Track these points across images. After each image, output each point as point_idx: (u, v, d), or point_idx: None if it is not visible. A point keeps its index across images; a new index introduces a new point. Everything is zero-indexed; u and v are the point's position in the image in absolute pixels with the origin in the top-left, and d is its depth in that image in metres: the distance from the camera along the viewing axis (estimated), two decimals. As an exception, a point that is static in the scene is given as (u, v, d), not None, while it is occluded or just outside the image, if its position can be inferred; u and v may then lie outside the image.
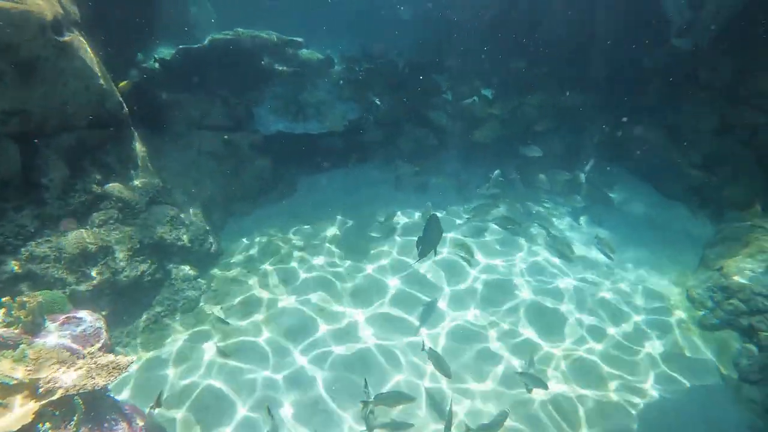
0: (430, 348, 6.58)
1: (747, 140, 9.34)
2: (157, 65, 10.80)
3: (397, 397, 6.05)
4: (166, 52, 11.83)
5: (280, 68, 12.01)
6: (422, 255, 6.94)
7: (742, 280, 7.44)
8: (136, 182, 8.13)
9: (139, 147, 8.50)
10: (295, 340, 7.20)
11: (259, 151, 10.67)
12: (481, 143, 11.26)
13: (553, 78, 11.41)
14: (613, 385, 6.71)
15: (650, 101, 10.96)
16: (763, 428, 6.15)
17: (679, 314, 7.82)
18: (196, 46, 11.76)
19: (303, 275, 8.51)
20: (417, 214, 10.07)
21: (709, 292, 7.76)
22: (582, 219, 10.11)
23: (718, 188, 9.70)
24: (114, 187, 7.67)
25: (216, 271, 8.74)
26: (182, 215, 8.76)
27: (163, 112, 9.89)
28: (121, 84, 8.27)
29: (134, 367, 6.79)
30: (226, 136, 10.20)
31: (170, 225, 8.27)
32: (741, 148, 9.45)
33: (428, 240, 6.83)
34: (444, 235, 8.97)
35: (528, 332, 7.42)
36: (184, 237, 8.45)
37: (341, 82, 12.23)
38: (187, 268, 8.39)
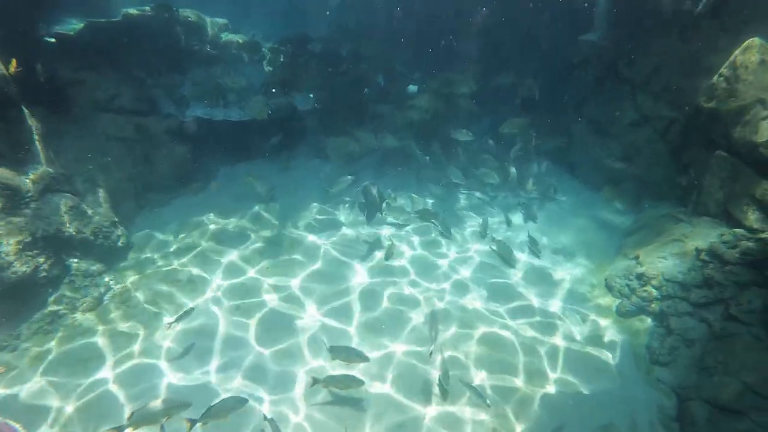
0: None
1: (662, 133, 9.74)
2: (53, 40, 9.75)
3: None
4: (76, 26, 10.76)
5: (202, 50, 11.31)
6: (369, 219, 8.31)
7: (655, 268, 7.73)
8: (28, 168, 7.27)
9: (32, 129, 7.61)
10: (203, 347, 6.73)
11: (177, 138, 9.94)
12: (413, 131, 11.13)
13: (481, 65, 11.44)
14: (529, 369, 6.78)
15: (576, 94, 11.25)
16: (670, 407, 6.42)
17: (598, 301, 8.05)
18: (105, 20, 10.80)
19: (219, 273, 8.00)
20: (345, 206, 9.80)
21: (626, 279, 8.01)
22: (515, 214, 10.17)
23: (636, 179, 10.10)
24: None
25: (124, 267, 8.05)
26: (84, 205, 7.97)
27: (64, 91, 8.95)
28: (12, 64, 7.29)
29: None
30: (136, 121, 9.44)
31: (69, 216, 7.48)
32: (657, 141, 9.84)
33: (370, 205, 8.03)
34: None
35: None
36: (86, 229, 7.68)
37: (268, 68, 11.67)
38: (90, 264, 7.65)
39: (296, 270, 8.17)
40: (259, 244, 8.68)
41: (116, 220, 8.30)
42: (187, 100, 10.27)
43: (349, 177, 9.56)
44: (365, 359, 6.10)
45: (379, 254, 8.62)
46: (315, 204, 9.88)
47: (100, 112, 9.31)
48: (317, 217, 9.58)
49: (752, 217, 7.40)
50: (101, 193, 8.49)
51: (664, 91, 9.69)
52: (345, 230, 9.27)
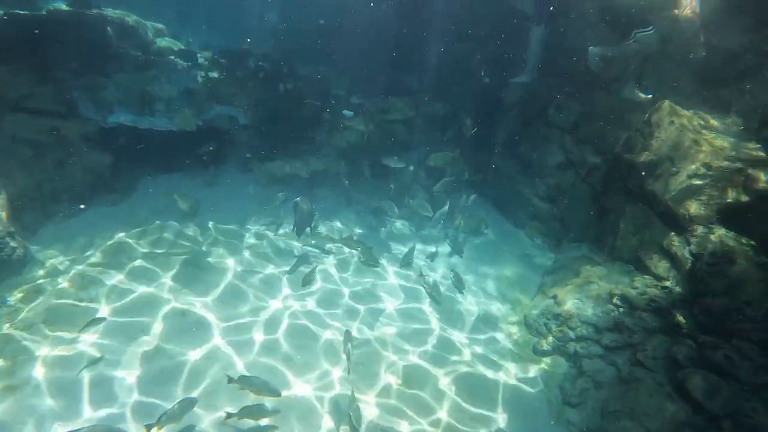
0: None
1: (584, 177, 10.23)
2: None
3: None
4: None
5: (132, 54, 10.66)
6: (299, 233, 8.11)
7: (571, 309, 7.99)
8: None
9: None
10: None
11: (96, 145, 9.26)
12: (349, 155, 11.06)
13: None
14: (444, 406, 6.72)
15: (508, 134, 11.65)
16: (579, 450, 6.56)
17: (517, 339, 8.19)
18: (26, 12, 9.97)
19: (115, 293, 7.41)
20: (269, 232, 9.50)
21: (544, 318, 8.23)
22: (440, 248, 10.23)
23: (558, 219, 10.52)
24: None
25: (20, 281, 7.28)
26: (-24, 212, 7.20)
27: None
28: None
29: None
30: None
31: (-46, 225, 6.70)
32: (579, 184, 10.32)
33: (301, 221, 7.98)
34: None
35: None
36: (-25, 240, 6.91)
37: (201, 78, 11.23)
38: (-24, 278, 6.86)
39: (206, 291, 7.70)
40: (172, 264, 8.14)
41: (12, 230, 7.52)
42: (110, 104, 9.61)
43: (282, 194, 9.43)
44: (276, 393, 5.80)
45: (296, 279, 8.35)
46: (239, 222, 9.45)
47: (9, 111, 8.52)
48: (241, 234, 9.18)
49: (660, 266, 7.84)
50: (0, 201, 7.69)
51: (588, 139, 10.22)
52: (268, 250, 8.96)
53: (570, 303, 8.13)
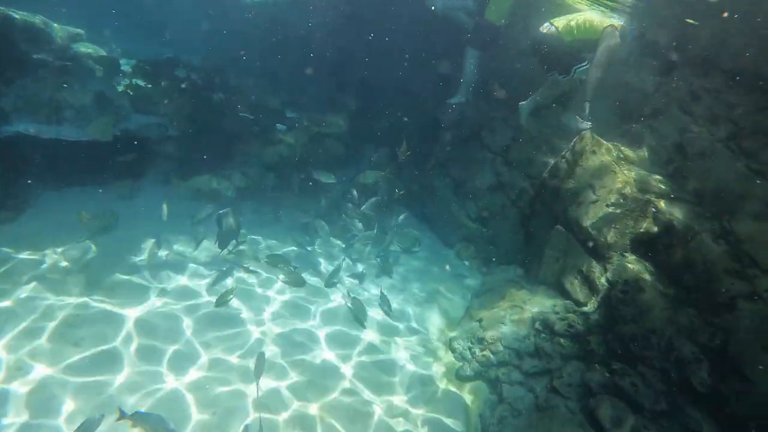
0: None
1: (514, 201, 10.40)
2: None
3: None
4: None
5: (41, 58, 9.76)
6: (222, 247, 8.56)
7: (495, 333, 7.99)
8: None
9: None
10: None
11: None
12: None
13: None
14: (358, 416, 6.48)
15: (443, 154, 11.73)
16: (496, 481, 6.49)
17: (439, 365, 8.08)
18: None
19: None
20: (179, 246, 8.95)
21: (468, 342, 8.18)
22: (370, 268, 10.04)
23: (488, 240, 10.63)
24: None
25: None
26: None
27: None
28: None
29: None
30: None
31: None
32: (509, 207, 10.49)
33: (225, 234, 8.28)
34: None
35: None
36: None
37: (122, 87, 10.54)
38: None
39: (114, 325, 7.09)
40: (73, 288, 7.44)
41: None
42: (8, 113, 8.74)
43: (209, 206, 9.05)
44: None
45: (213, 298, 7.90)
46: (153, 239, 8.83)
47: None
48: (157, 253, 8.59)
49: (580, 292, 8.01)
50: None
51: (519, 163, 10.43)
52: (189, 268, 8.44)
53: (494, 327, 8.14)
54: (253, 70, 11.76)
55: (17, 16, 9.30)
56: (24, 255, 7.80)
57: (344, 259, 9.86)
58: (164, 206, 8.60)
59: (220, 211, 8.72)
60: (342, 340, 7.96)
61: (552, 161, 9.34)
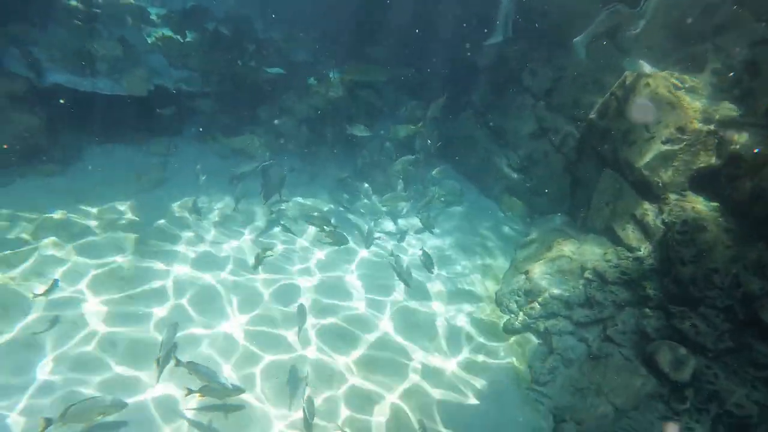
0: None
1: (558, 146, 9.81)
2: None
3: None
4: None
5: (70, 3, 9.58)
6: (267, 197, 8.37)
7: (542, 285, 7.64)
8: None
9: None
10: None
11: (26, 105, 8.34)
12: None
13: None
14: (412, 381, 6.40)
15: (480, 101, 11.13)
16: (546, 429, 6.29)
17: (487, 317, 7.84)
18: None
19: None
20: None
21: (515, 295, 7.88)
22: (411, 224, 9.74)
23: (532, 191, 10.12)
24: None
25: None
26: None
27: None
28: None
29: None
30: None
31: None
32: (553, 154, 9.91)
33: (270, 185, 8.14)
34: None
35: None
36: None
37: (153, 38, 10.33)
38: None
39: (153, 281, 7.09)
40: (116, 249, 7.47)
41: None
42: (43, 61, 8.66)
43: (250, 162, 8.90)
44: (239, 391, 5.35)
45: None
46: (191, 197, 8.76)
47: None
48: (195, 212, 8.53)
49: (633, 236, 7.51)
50: None
51: (562, 105, 9.77)
52: (225, 225, 8.40)
53: (541, 278, 7.77)
54: (282, 20, 11.31)
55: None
56: (77, 209, 7.87)
57: (382, 217, 9.60)
58: (200, 175, 8.51)
59: (265, 163, 8.57)
60: (381, 297, 7.81)
61: (600, 101, 8.66)
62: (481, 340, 7.40)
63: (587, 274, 7.41)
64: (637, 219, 7.41)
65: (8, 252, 6.80)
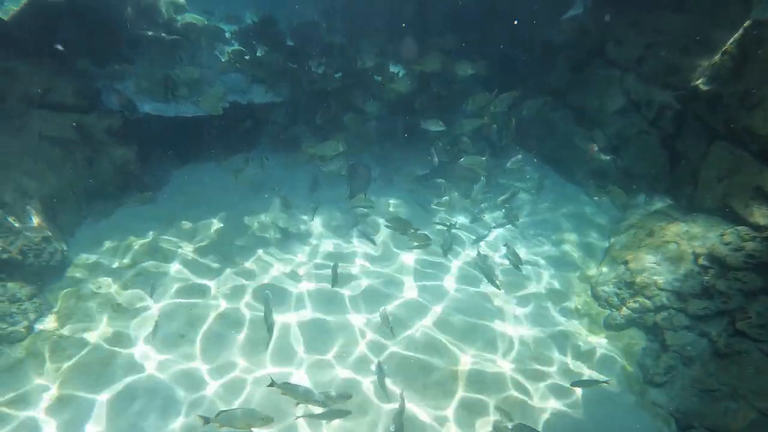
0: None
1: (653, 120, 8.91)
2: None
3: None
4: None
5: (154, 35, 10.10)
6: (353, 195, 8.21)
7: (647, 275, 6.95)
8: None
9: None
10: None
11: (120, 138, 8.92)
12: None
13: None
14: (511, 388, 6.04)
15: (557, 79, 10.39)
16: (669, 435, 5.69)
17: (583, 312, 7.27)
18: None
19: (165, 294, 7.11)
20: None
21: (614, 287, 7.24)
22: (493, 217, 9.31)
23: (624, 172, 9.29)
24: None
25: (60, 286, 7.14)
26: (10, 219, 7.05)
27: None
28: None
29: None
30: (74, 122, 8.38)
31: (-11, 233, 6.57)
32: (647, 129, 9.02)
33: (358, 182, 8.05)
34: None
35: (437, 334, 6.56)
36: (12, 248, 6.76)
37: (226, 55, 10.61)
38: (17, 287, 6.71)
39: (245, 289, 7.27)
40: (209, 259, 7.76)
41: (49, 234, 7.35)
42: (134, 94, 9.21)
43: (337, 161, 8.63)
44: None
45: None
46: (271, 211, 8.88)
47: (33, 108, 8.31)
48: (277, 222, 8.66)
49: (758, 213, 6.60)
50: (33, 204, 7.55)
51: (656, 73, 8.84)
52: (304, 237, 8.44)
53: (645, 268, 7.08)
54: (347, 20, 11.18)
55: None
56: (169, 233, 8.23)
57: (463, 213, 9.20)
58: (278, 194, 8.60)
59: (351, 162, 8.60)
60: (471, 297, 7.48)
61: (706, 63, 7.67)
62: (579, 336, 6.86)
63: (702, 261, 6.63)
64: (765, 192, 6.48)
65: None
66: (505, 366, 6.35)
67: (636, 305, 6.83)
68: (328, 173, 8.79)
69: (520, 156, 9.92)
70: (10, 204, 7.35)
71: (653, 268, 6.98)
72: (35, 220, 7.39)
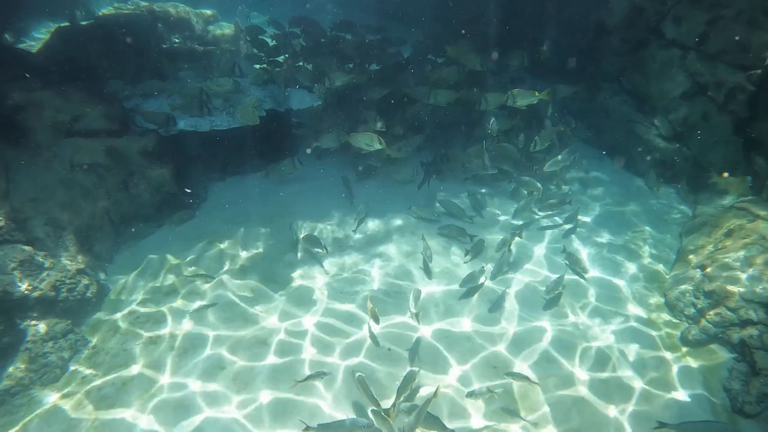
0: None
1: (723, 103, 7.97)
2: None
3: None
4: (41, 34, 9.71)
5: (188, 49, 9.89)
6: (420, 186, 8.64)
7: (729, 282, 6.16)
8: (-37, 218, 6.26)
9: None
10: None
11: (155, 158, 8.74)
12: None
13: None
14: (575, 426, 5.42)
15: (611, 64, 9.50)
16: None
17: (658, 325, 6.53)
18: (74, 26, 9.66)
19: (211, 319, 6.86)
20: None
21: (691, 296, 6.47)
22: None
23: (691, 161, 8.40)
24: None
25: (98, 319, 7.02)
26: (41, 254, 6.88)
27: (16, 117, 7.88)
28: None
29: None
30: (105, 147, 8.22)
31: (20, 272, 6.45)
32: (715, 114, 8.09)
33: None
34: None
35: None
36: (43, 285, 6.64)
37: (258, 66, 10.27)
38: (51, 324, 6.58)
39: (303, 309, 6.95)
40: (254, 280, 7.47)
41: (82, 266, 7.23)
42: (170, 111, 9.00)
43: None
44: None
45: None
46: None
47: (62, 137, 8.22)
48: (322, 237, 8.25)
49: None
50: (67, 236, 7.45)
51: (723, 52, 7.90)
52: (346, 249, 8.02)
53: (725, 273, 6.28)
54: (381, 16, 10.64)
55: (162, 8, 9.47)
56: (211, 251, 8.04)
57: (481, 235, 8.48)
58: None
59: (422, 161, 8.85)
60: (530, 307, 6.88)
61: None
62: (655, 353, 6.15)
63: (796, 267, 5.79)
64: None
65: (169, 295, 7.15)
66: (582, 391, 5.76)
67: (717, 318, 6.07)
68: (400, 181, 8.85)
69: (570, 148, 9.08)
70: (41, 239, 7.24)
71: (735, 273, 6.19)
72: (69, 253, 7.29)
